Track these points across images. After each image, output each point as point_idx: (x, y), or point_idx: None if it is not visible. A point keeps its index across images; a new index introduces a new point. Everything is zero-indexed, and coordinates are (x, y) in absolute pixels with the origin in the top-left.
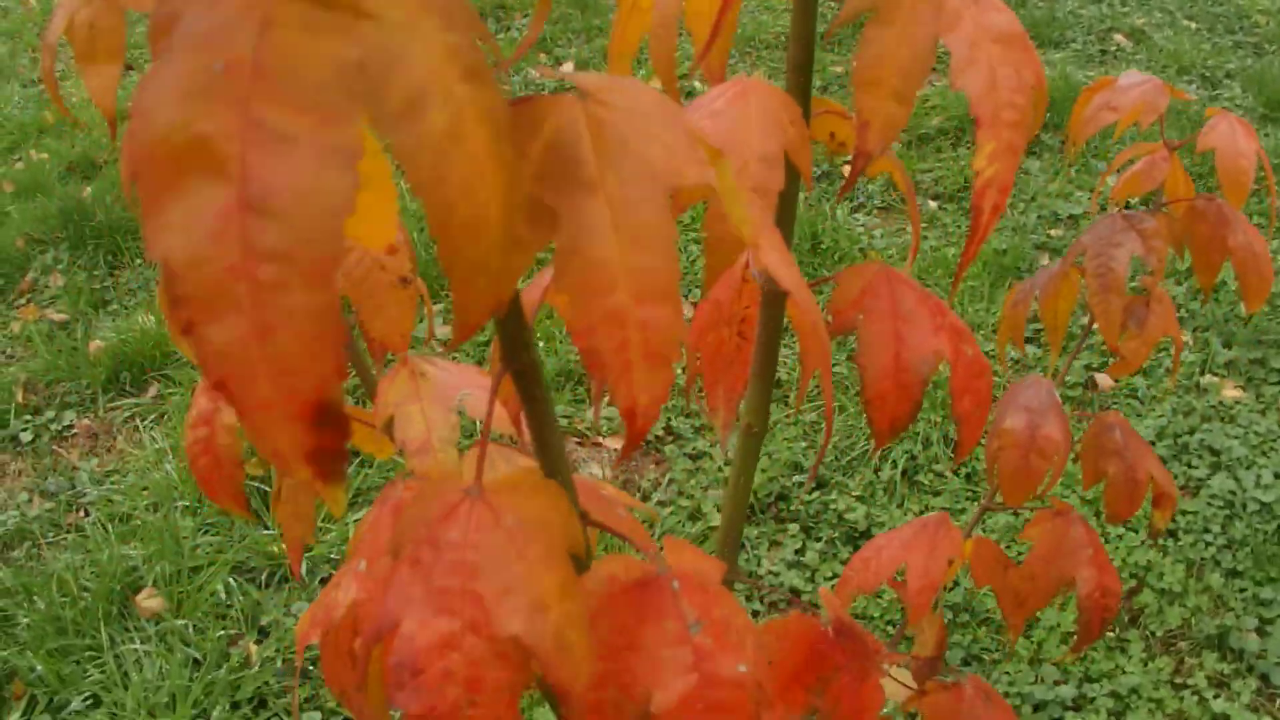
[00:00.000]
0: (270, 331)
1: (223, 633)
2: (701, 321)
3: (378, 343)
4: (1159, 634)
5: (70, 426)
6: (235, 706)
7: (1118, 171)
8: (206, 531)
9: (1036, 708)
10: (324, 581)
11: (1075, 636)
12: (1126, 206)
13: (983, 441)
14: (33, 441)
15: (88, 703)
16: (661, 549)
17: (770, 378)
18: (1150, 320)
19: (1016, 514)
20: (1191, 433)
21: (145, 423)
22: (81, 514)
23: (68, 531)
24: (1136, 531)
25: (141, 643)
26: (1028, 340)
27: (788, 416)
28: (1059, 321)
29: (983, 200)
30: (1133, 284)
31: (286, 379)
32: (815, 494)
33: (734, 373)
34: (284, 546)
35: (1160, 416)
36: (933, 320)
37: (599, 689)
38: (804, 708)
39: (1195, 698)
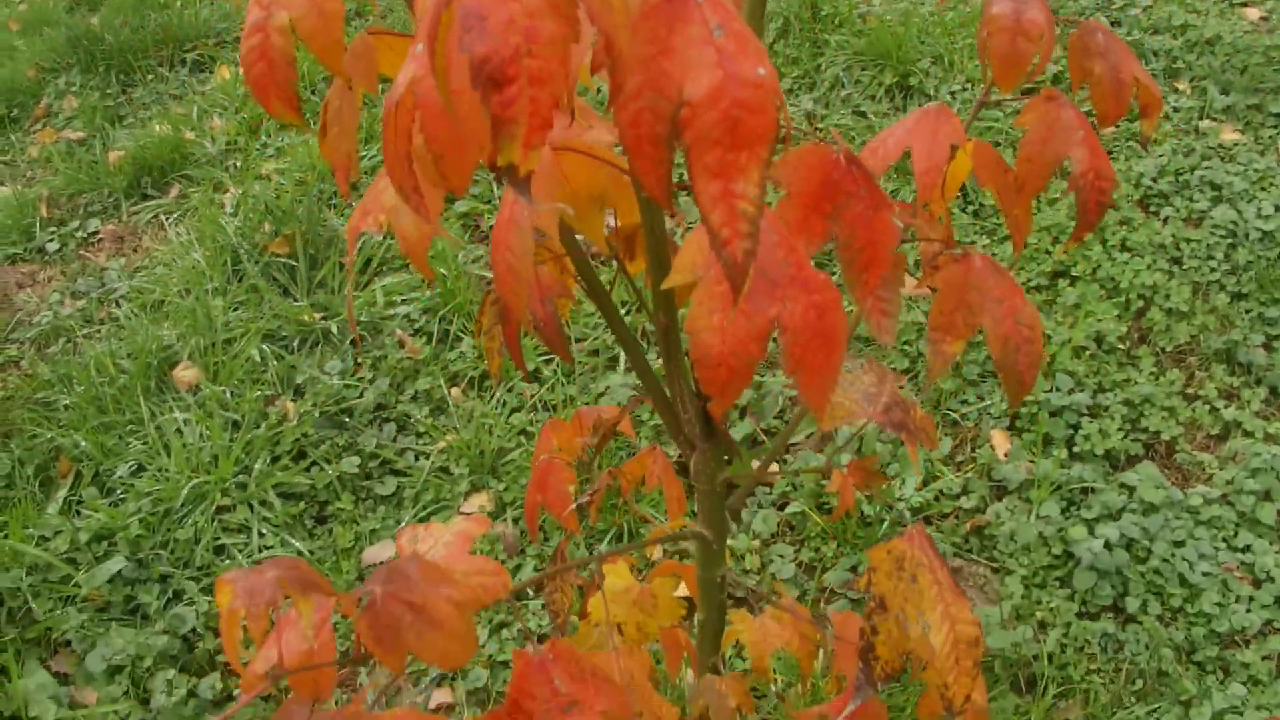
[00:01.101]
0: None
1: (259, 394)
2: None
3: None
4: (1168, 349)
5: (96, 233)
6: (275, 459)
7: None
8: (236, 309)
9: (1054, 413)
10: (354, 343)
11: (1073, 224)
12: None
13: None
14: (60, 250)
15: (132, 470)
16: None
17: None
18: None
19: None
20: (1192, 170)
21: (170, 220)
22: (113, 306)
23: (101, 324)
24: (1142, 256)
25: (181, 412)
26: None
27: None
28: None
29: None
30: None
31: None
32: None
33: None
34: (313, 311)
35: (1161, 157)
36: None
37: (636, 98)
38: (822, 236)
39: (1206, 407)
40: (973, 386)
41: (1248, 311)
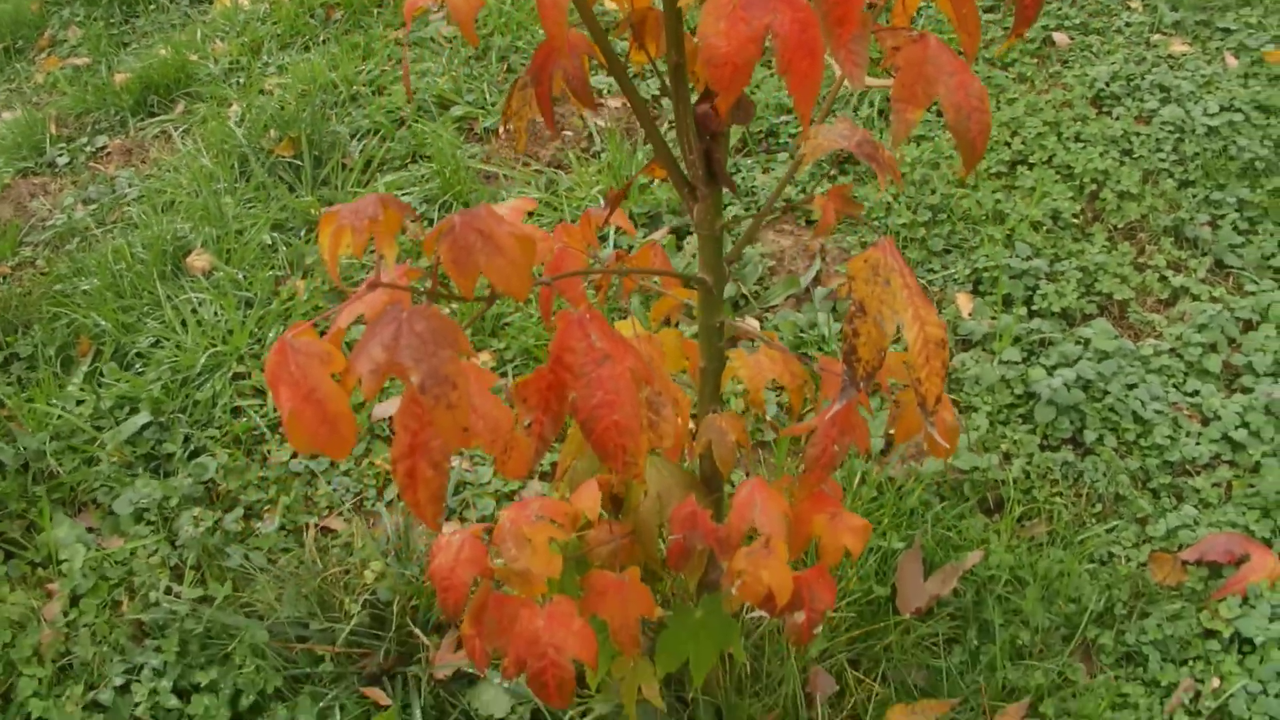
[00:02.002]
0: None
1: (270, 274)
2: None
3: None
4: (1120, 226)
5: (104, 148)
6: None
7: None
8: (246, 204)
9: (1014, 276)
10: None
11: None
12: None
13: None
14: (70, 163)
15: (151, 344)
16: None
17: None
18: None
19: None
20: (1143, 76)
21: (177, 133)
22: (126, 208)
23: (114, 224)
24: (1095, 146)
25: (195, 293)
26: None
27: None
28: None
29: None
30: None
31: None
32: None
33: None
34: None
35: (1114, 64)
36: None
37: None
38: None
39: (1156, 275)
40: (938, 257)
41: (1194, 195)
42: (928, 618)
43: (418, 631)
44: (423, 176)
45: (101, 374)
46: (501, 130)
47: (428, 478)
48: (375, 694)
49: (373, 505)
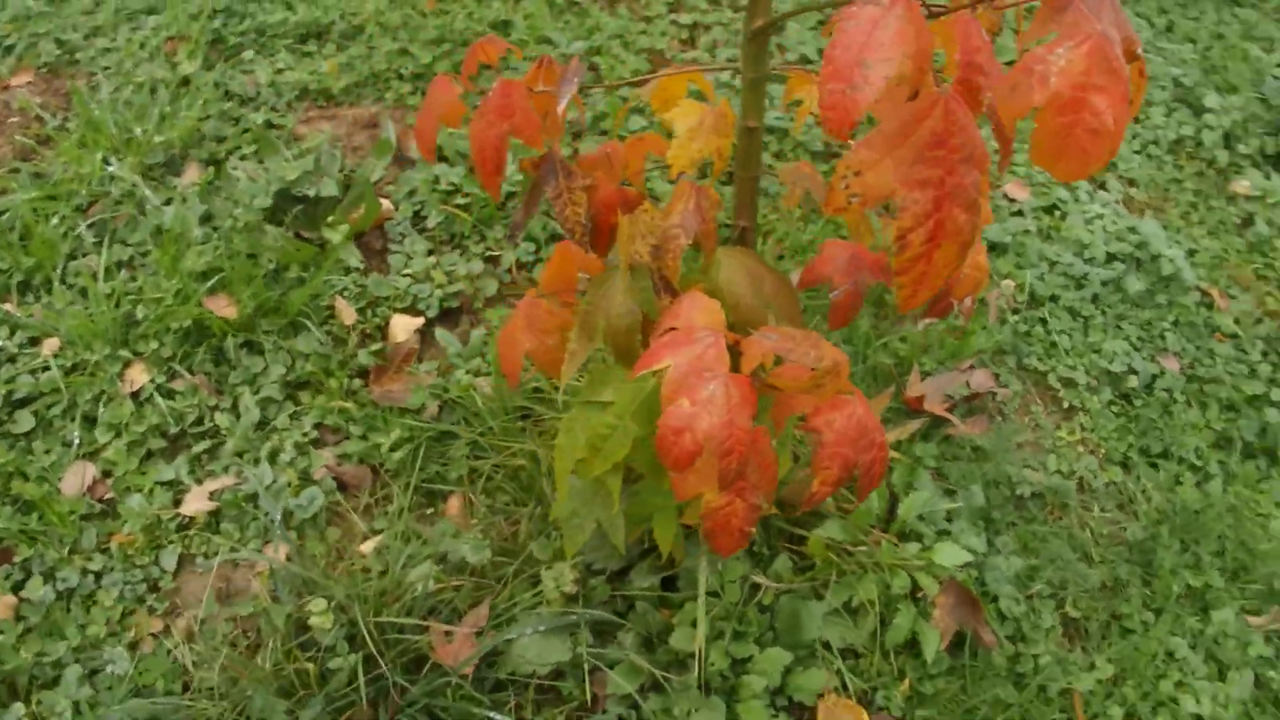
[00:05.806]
0: None
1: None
2: None
3: None
4: None
5: None
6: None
7: None
8: None
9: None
10: None
11: None
12: None
13: None
14: None
15: None
16: None
17: None
18: None
19: None
20: None
21: None
22: None
23: None
24: None
25: None
26: None
27: None
28: None
29: None
30: None
31: None
32: None
33: None
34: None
35: None
36: None
37: None
38: None
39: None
40: None
41: None
42: None
43: (435, 625)
44: None
45: None
46: None
47: (959, 225)
48: None
49: (170, 583)
